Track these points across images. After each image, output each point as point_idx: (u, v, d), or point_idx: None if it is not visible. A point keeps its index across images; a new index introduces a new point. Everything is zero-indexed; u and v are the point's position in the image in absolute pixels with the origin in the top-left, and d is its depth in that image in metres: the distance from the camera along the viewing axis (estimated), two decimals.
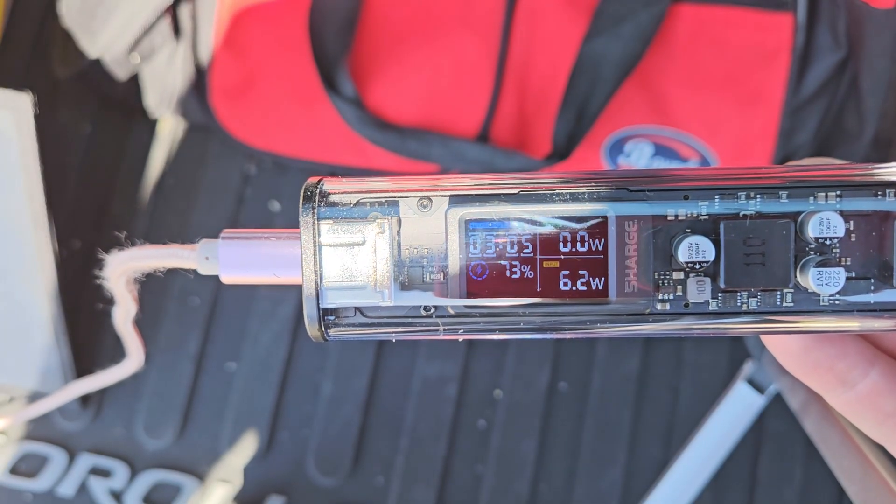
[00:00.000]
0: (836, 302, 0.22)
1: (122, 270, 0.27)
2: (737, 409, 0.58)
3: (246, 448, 0.61)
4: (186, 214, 0.65)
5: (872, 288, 0.22)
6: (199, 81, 0.64)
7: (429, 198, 0.23)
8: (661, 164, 0.59)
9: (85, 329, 0.60)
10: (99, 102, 0.66)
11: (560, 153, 0.58)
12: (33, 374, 0.57)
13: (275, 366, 0.62)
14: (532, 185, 0.23)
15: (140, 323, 0.31)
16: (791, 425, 0.59)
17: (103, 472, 0.61)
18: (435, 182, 0.23)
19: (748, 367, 0.58)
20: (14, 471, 0.61)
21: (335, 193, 0.23)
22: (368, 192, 0.23)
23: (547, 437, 0.61)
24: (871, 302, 0.22)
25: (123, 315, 0.30)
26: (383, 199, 0.23)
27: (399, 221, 0.23)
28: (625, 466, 0.60)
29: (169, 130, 0.67)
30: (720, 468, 0.59)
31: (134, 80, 0.64)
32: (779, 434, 0.59)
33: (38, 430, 0.61)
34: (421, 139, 0.59)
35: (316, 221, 0.23)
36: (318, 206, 0.23)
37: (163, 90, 0.64)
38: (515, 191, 0.23)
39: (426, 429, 0.61)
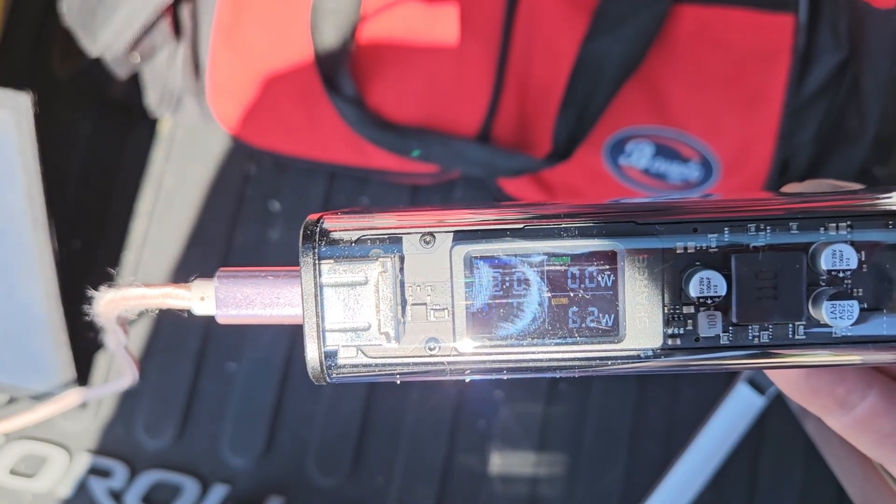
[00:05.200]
0: (850, 334, 0.22)
1: (111, 309, 0.27)
2: (737, 410, 0.58)
3: (246, 448, 0.61)
4: (186, 214, 0.65)
5: (885, 319, 0.22)
6: (199, 81, 0.63)
7: (432, 234, 0.22)
8: (662, 164, 0.59)
9: (85, 329, 0.60)
10: (99, 102, 0.66)
11: (561, 153, 0.58)
12: (33, 374, 0.57)
13: (275, 366, 0.62)
14: (537, 221, 0.22)
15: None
16: (791, 426, 0.59)
17: (103, 472, 0.61)
18: (438, 217, 0.22)
19: None
20: (14, 471, 0.61)
21: (336, 231, 0.22)
22: (370, 228, 0.22)
23: (547, 437, 0.60)
24: (884, 334, 0.22)
25: (115, 343, 0.30)
26: (385, 236, 0.22)
27: (402, 259, 0.22)
28: (625, 467, 0.60)
29: (169, 130, 0.67)
30: (721, 469, 0.58)
31: (134, 80, 0.64)
32: (779, 435, 0.59)
33: (38, 430, 0.61)
34: (421, 139, 0.59)
35: (317, 261, 0.22)
36: (319, 245, 0.22)
37: (163, 90, 0.64)
38: (520, 226, 0.22)
39: (426, 429, 0.61)
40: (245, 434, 0.61)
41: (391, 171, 0.63)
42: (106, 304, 0.27)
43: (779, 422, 0.59)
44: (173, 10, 0.61)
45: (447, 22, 0.60)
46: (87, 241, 0.63)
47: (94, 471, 0.61)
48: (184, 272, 0.64)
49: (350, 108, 0.58)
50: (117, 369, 0.62)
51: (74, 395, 0.47)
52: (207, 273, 0.26)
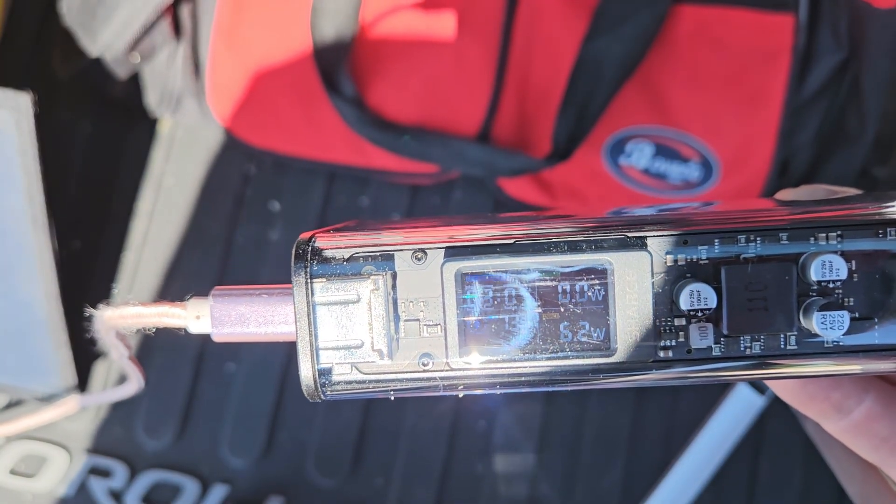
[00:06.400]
0: (841, 344, 0.22)
1: (110, 327, 0.27)
2: (737, 410, 0.58)
3: (245, 448, 0.61)
4: (186, 214, 0.65)
5: (877, 328, 0.22)
6: (199, 81, 0.63)
7: (423, 250, 0.22)
8: (662, 164, 0.59)
9: (85, 329, 0.60)
10: (99, 102, 0.66)
11: (560, 153, 0.58)
12: (33, 375, 0.57)
13: (274, 366, 0.62)
14: (528, 236, 0.22)
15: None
16: (791, 426, 0.59)
17: (103, 472, 0.61)
18: (429, 233, 0.22)
19: None
20: (14, 471, 0.61)
21: (327, 249, 0.22)
22: (362, 246, 0.22)
23: (546, 438, 0.60)
24: (876, 343, 0.22)
25: (118, 355, 0.30)
26: (377, 254, 0.22)
27: (394, 275, 0.22)
28: (624, 468, 0.60)
29: (169, 130, 0.67)
30: (720, 469, 0.58)
31: (134, 80, 0.64)
32: (779, 435, 0.59)
33: (38, 430, 0.61)
34: (421, 139, 0.59)
35: (309, 280, 0.22)
36: (311, 263, 0.22)
37: (163, 90, 0.64)
38: (511, 241, 0.22)
39: (426, 430, 0.61)
40: (245, 434, 0.61)
41: (391, 171, 0.62)
42: (104, 322, 0.27)
43: (779, 422, 0.59)
44: (173, 10, 0.61)
45: (447, 22, 0.60)
46: (87, 241, 0.63)
47: (94, 471, 0.61)
48: (184, 272, 0.64)
49: (350, 108, 0.58)
50: (118, 370, 0.62)
51: (77, 401, 0.47)
52: (206, 276, 0.26)
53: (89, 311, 0.27)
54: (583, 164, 0.60)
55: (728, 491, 0.59)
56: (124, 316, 0.26)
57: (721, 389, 0.59)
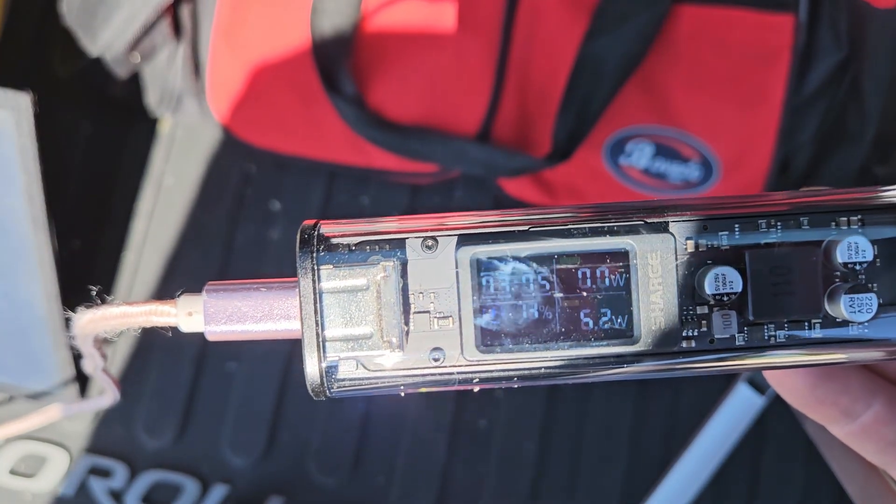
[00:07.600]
0: (866, 330, 0.21)
1: (91, 330, 0.25)
2: (737, 410, 0.58)
3: (246, 448, 0.61)
4: (186, 214, 0.65)
5: None
6: (199, 81, 0.63)
7: (434, 238, 0.21)
8: (662, 164, 0.59)
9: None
10: (99, 102, 0.66)
11: (561, 153, 0.58)
12: (32, 374, 0.57)
13: (275, 365, 0.62)
14: (543, 221, 0.21)
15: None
16: (792, 426, 0.59)
17: (103, 472, 0.61)
18: (440, 221, 0.21)
19: None
20: (14, 471, 0.61)
21: (334, 236, 0.21)
22: (370, 233, 0.21)
23: (547, 437, 0.60)
24: None
25: (92, 366, 0.28)
26: (385, 241, 0.21)
27: (404, 264, 0.21)
28: (625, 467, 0.60)
29: (169, 130, 0.67)
30: (721, 469, 0.58)
31: (134, 80, 0.64)
32: (779, 435, 0.59)
33: (38, 430, 0.61)
34: (422, 138, 0.59)
35: (315, 267, 0.21)
36: (317, 249, 0.21)
37: (163, 89, 0.64)
38: (526, 227, 0.21)
39: (427, 428, 0.61)
40: (245, 434, 0.61)
41: (391, 171, 0.62)
42: (85, 324, 0.25)
43: (779, 422, 0.59)
44: (173, 10, 0.61)
45: (447, 21, 0.60)
46: (87, 241, 0.63)
47: (94, 471, 0.61)
48: (184, 272, 0.64)
49: (350, 108, 0.58)
50: (116, 370, 0.62)
51: (58, 410, 0.47)
52: (207, 276, 0.25)
53: (67, 314, 0.25)
54: (583, 164, 0.60)
55: (729, 490, 0.59)
56: (107, 317, 0.24)
57: (722, 388, 0.59)
